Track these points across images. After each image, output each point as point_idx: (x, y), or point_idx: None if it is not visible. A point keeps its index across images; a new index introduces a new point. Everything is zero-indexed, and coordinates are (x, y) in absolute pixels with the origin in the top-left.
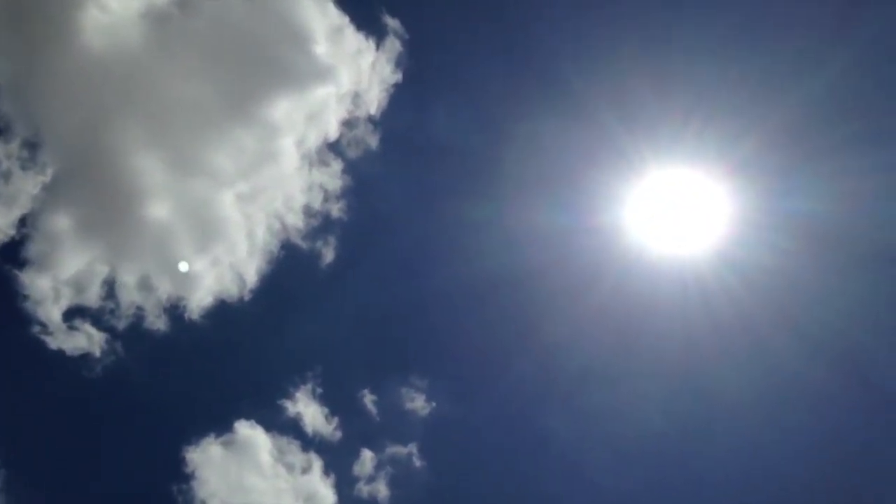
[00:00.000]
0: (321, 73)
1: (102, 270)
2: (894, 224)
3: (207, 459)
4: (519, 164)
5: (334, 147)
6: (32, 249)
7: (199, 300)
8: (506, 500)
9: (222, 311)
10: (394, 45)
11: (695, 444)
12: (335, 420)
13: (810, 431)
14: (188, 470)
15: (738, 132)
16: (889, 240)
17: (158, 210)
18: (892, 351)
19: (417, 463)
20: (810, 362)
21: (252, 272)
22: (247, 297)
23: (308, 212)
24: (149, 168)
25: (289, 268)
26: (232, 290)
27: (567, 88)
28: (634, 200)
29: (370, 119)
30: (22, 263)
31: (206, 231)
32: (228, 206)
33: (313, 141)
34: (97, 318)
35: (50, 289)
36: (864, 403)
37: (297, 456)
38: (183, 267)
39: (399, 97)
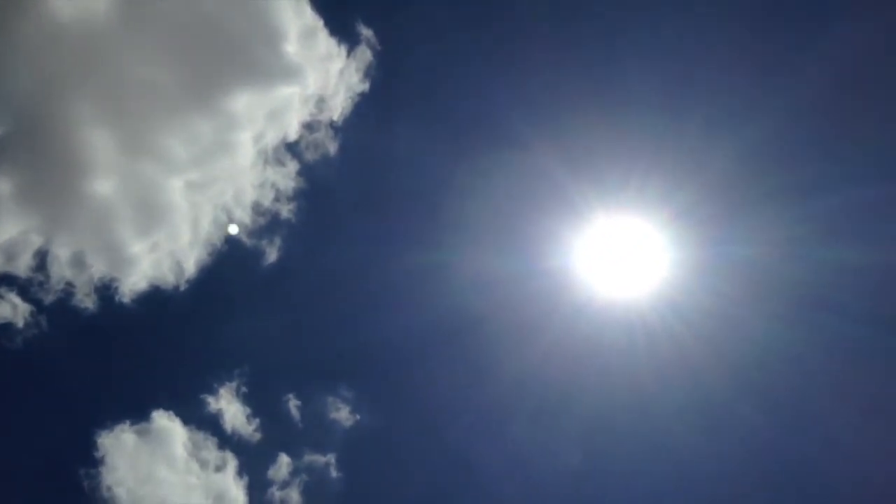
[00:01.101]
0: (288, 73)
1: (36, 241)
2: (824, 268)
3: (119, 446)
4: (468, 209)
5: (292, 148)
6: None
7: (133, 284)
8: None
9: (155, 297)
10: (365, 54)
11: (615, 482)
12: (256, 421)
13: (746, 470)
14: (98, 454)
15: (679, 181)
16: (820, 283)
17: (103, 187)
18: (822, 391)
19: (334, 473)
20: (747, 402)
21: (191, 262)
22: (182, 287)
23: (257, 209)
24: (99, 143)
25: (230, 263)
26: (168, 278)
27: (519, 138)
28: (581, 246)
29: (332, 125)
30: None
31: (150, 215)
32: (176, 192)
33: (271, 139)
34: (25, 288)
35: None
36: (798, 443)
37: (212, 453)
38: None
39: (363, 107)
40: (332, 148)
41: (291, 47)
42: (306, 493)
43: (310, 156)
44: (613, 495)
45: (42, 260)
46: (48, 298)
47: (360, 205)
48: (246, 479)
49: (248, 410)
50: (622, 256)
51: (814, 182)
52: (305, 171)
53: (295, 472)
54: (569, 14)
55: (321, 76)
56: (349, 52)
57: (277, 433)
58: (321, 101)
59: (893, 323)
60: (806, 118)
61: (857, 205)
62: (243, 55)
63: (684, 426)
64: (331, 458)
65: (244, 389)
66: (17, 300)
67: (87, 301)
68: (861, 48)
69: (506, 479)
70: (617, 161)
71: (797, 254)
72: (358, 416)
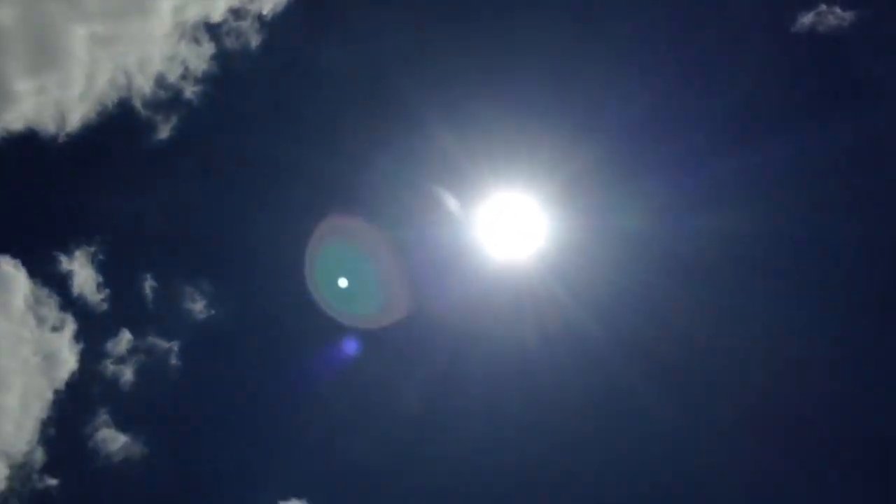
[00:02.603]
0: None
1: None
2: (701, 237)
3: None
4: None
5: (213, 29)
6: None
7: (8, 121)
8: (242, 426)
9: (29, 141)
10: None
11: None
12: (106, 292)
13: (623, 434)
14: None
15: (561, 154)
16: (697, 251)
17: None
18: (702, 356)
19: (174, 361)
20: (629, 367)
21: (77, 116)
22: (61, 139)
23: (160, 81)
24: None
25: (117, 128)
26: (48, 126)
27: (412, 113)
28: (467, 217)
29: (260, 17)
30: None
31: (44, 56)
32: (78, 40)
33: (193, 14)
34: None
35: None
36: (673, 407)
37: (52, 312)
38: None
39: (296, 10)
40: (254, 41)
41: None
42: (140, 373)
43: (229, 42)
44: (482, 449)
45: None
46: None
47: (266, 107)
48: (82, 345)
49: (100, 279)
50: (507, 227)
51: (690, 152)
52: (221, 56)
53: (134, 351)
54: None
55: None
56: None
57: (125, 308)
58: None
59: (769, 288)
60: (683, 90)
61: (732, 174)
62: None
63: (568, 392)
64: (174, 345)
65: (101, 257)
66: None
67: None
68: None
69: (352, 409)
70: (502, 133)
71: (675, 223)
72: (212, 312)
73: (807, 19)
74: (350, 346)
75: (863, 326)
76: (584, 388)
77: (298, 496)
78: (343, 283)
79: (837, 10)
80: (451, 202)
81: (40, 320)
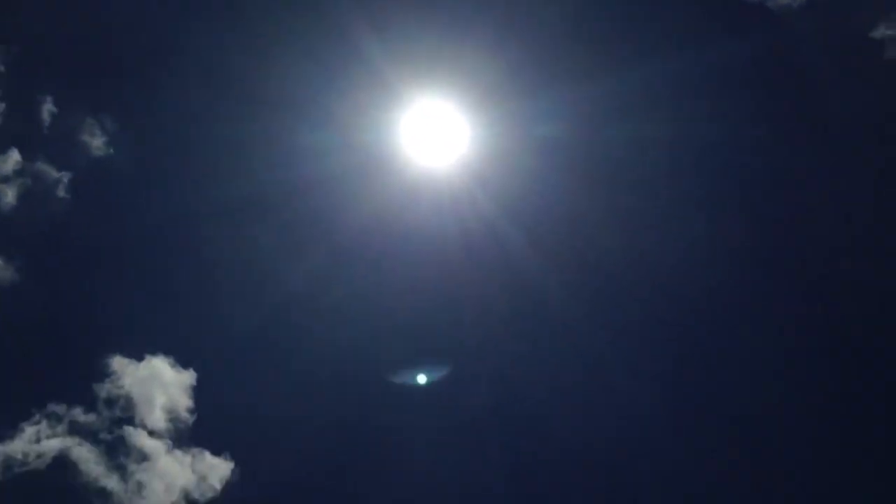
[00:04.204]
0: None
1: None
2: (623, 144)
3: None
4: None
5: None
6: None
7: None
8: (119, 274)
9: None
10: None
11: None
12: (2, 106)
13: (538, 333)
14: None
15: (485, 61)
16: (617, 159)
17: None
18: (626, 261)
19: (61, 193)
20: (548, 271)
21: None
22: None
23: None
24: None
25: None
26: None
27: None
28: (391, 124)
29: None
30: None
31: None
32: None
33: None
34: None
35: None
36: (588, 306)
37: None
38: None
39: None
40: None
41: None
42: (23, 198)
43: None
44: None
45: None
46: None
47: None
48: None
49: None
50: (430, 134)
51: (614, 60)
52: None
53: (21, 173)
54: None
55: None
56: None
57: (19, 128)
58: None
59: (692, 195)
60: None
61: (655, 81)
62: None
63: (490, 296)
64: (65, 176)
65: (2, 68)
66: None
67: None
68: None
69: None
70: (425, 40)
71: (597, 130)
72: (112, 151)
73: None
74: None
75: (764, 221)
76: (501, 290)
77: (165, 353)
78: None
79: None
80: (375, 108)
81: None
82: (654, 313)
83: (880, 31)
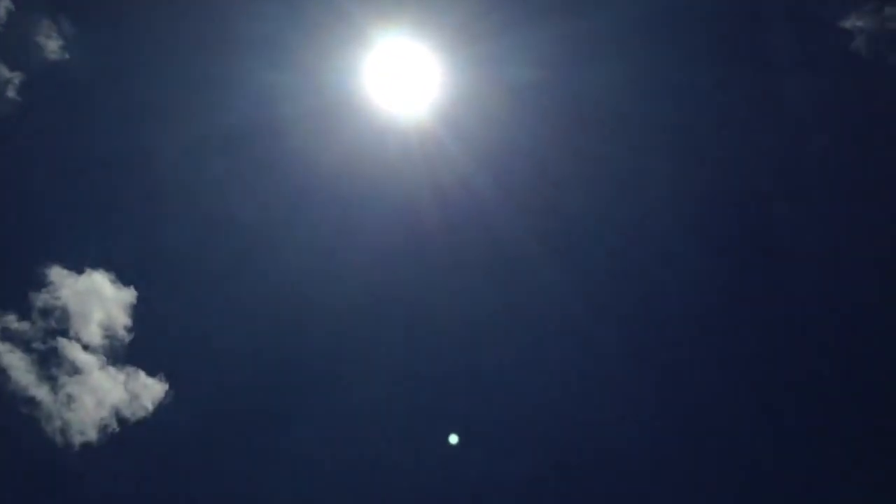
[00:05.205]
0: None
1: None
2: (594, 88)
3: None
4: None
5: None
6: None
7: None
8: (62, 186)
9: None
10: None
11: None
12: None
13: (509, 288)
14: None
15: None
16: (591, 101)
17: None
18: (602, 212)
19: (12, 94)
20: (517, 220)
21: None
22: None
23: None
24: None
25: None
26: None
27: None
28: (359, 67)
29: None
30: None
31: None
32: None
33: None
34: None
35: None
36: (560, 256)
37: None
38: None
39: None
40: None
41: None
42: None
43: None
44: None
45: None
46: None
47: None
48: None
49: None
50: (398, 76)
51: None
52: None
53: None
54: None
55: None
56: None
57: None
58: None
59: (664, 135)
60: None
61: (627, 23)
62: None
63: (456, 242)
64: (16, 77)
65: None
66: None
67: None
68: None
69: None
70: None
71: (569, 72)
72: (66, 56)
73: None
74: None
75: (742, 163)
76: (473, 242)
77: (107, 269)
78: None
79: None
80: (339, 47)
81: None
82: (629, 259)
83: (850, 22)
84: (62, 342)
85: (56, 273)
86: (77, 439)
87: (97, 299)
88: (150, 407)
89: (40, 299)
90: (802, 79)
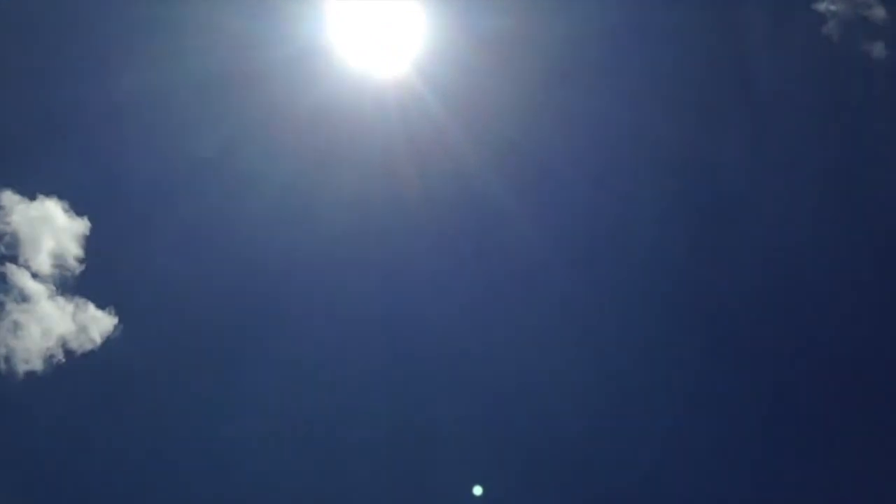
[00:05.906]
0: None
1: None
2: (573, 37)
3: None
4: None
5: None
6: None
7: None
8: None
9: None
10: None
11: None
12: None
13: (485, 240)
14: None
15: None
16: (571, 51)
17: None
18: (576, 161)
19: None
20: (497, 173)
21: None
22: None
23: None
24: None
25: None
26: None
27: None
28: (336, 17)
29: None
30: None
31: None
32: None
33: None
34: None
35: None
36: (536, 206)
37: None
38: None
39: None
40: None
41: None
42: None
43: None
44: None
45: None
46: None
47: None
48: None
49: None
50: (376, 28)
51: None
52: None
53: None
54: None
55: None
56: None
57: None
58: None
59: (640, 89)
60: None
61: None
62: None
63: (433, 195)
64: None
65: None
66: None
67: None
68: None
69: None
70: None
71: (547, 24)
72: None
73: None
74: None
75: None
76: (452, 196)
77: (60, 197)
78: None
79: None
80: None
81: None
82: (608, 212)
83: (824, 5)
84: (10, 268)
85: (7, 198)
86: (21, 367)
87: (49, 228)
88: (98, 339)
89: None
90: (774, 60)
